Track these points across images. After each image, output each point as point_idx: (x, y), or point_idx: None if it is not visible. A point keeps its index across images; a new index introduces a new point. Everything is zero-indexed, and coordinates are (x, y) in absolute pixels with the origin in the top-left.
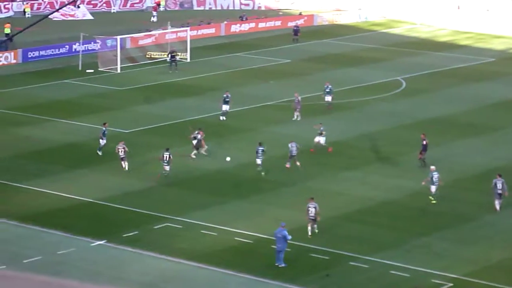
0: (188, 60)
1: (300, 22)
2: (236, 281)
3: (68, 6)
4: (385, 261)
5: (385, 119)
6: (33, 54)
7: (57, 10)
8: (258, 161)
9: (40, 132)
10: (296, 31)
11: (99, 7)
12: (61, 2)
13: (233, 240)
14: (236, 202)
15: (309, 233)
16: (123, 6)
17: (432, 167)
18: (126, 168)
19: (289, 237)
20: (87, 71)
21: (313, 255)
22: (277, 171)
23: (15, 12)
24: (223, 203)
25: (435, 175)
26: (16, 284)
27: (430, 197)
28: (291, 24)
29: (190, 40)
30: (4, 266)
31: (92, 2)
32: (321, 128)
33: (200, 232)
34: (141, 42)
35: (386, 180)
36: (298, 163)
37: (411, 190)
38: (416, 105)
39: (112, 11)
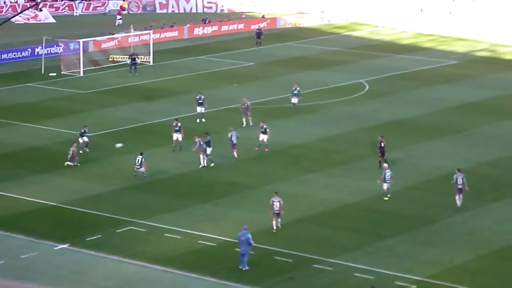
0: (151, 63)
1: (263, 25)
2: (200, 284)
3: (30, 9)
4: (349, 264)
5: (348, 121)
6: None
7: (18, 14)
8: (208, 151)
9: (3, 136)
10: (259, 34)
11: (62, 10)
12: (23, 5)
13: (197, 243)
14: (200, 205)
15: (274, 228)
16: (85, 10)
17: (385, 165)
18: (71, 164)
19: (252, 242)
20: (50, 74)
21: (277, 257)
22: (241, 173)
23: None
24: (186, 206)
25: (388, 173)
26: None
27: (385, 197)
28: (254, 27)
29: (153, 43)
30: None
31: (55, 5)
32: (264, 126)
33: (164, 236)
34: (104, 46)
35: (349, 182)
36: (235, 154)
37: (374, 192)
38: (379, 108)
39: (75, 14)
